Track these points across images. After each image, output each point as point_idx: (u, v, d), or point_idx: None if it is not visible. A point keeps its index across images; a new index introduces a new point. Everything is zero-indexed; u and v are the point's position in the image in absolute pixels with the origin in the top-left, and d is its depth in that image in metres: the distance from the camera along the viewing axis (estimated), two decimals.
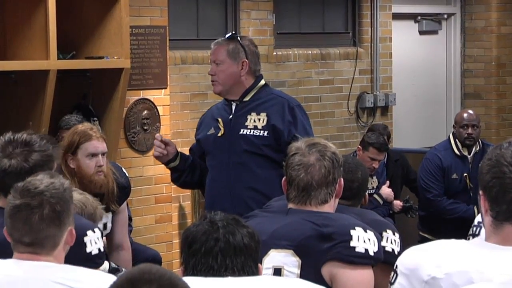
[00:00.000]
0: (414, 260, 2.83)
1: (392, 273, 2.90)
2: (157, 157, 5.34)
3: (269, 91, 5.37)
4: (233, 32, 5.85)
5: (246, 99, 5.26)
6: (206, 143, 5.31)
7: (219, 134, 5.25)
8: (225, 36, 5.44)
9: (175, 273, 2.16)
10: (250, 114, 5.24)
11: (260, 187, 5.11)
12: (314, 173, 3.60)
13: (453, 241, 2.83)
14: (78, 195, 4.09)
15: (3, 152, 3.65)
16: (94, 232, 3.65)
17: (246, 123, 5.22)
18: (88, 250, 3.59)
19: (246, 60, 5.27)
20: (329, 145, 3.73)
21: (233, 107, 5.26)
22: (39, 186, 3.02)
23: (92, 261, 3.57)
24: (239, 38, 5.37)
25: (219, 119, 5.27)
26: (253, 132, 5.20)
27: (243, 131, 5.21)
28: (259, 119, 5.22)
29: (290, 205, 3.64)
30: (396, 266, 2.88)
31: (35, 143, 3.66)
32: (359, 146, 7.75)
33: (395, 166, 8.14)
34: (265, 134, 5.19)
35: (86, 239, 3.60)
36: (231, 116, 5.24)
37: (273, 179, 5.10)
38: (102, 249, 3.66)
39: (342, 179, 3.65)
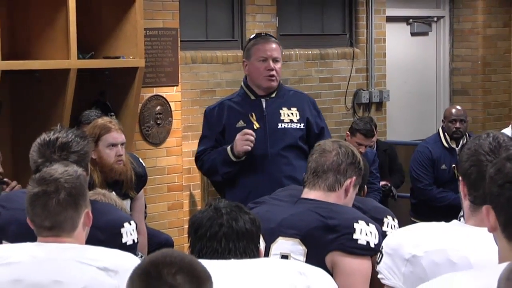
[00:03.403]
0: (396, 241, 2.84)
1: (378, 253, 2.90)
2: (246, 151, 5.10)
3: (286, 88, 5.40)
4: (262, 33, 5.64)
5: (273, 95, 5.23)
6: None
7: (255, 128, 5.16)
8: (265, 34, 5.38)
9: (195, 258, 2.18)
10: (281, 109, 5.20)
11: (298, 176, 5.01)
12: (328, 157, 3.58)
13: (432, 223, 2.85)
14: (116, 199, 4.09)
15: (43, 155, 3.62)
16: (130, 224, 3.63)
17: (282, 118, 5.18)
18: (123, 240, 3.57)
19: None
20: (353, 147, 3.72)
21: (264, 103, 5.20)
22: (54, 174, 3.03)
23: (127, 251, 3.55)
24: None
25: (253, 114, 5.19)
26: (291, 125, 5.17)
27: (281, 125, 5.17)
28: (292, 113, 5.20)
29: (304, 190, 3.61)
30: (382, 247, 2.89)
31: (72, 143, 3.64)
32: (348, 132, 7.81)
33: (384, 155, 8.23)
34: (302, 126, 5.18)
35: (122, 230, 3.58)
36: (265, 111, 5.19)
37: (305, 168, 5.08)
38: (136, 240, 3.63)
39: (354, 179, 3.59)
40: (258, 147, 5.11)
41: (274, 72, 5.18)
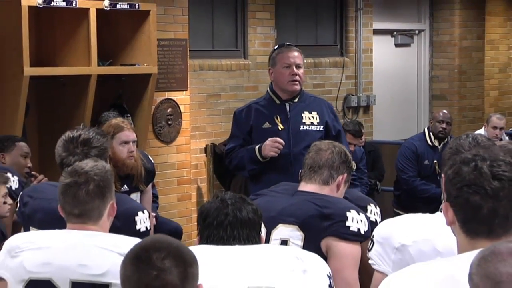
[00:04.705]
0: (387, 230, 2.83)
1: (370, 241, 2.90)
2: (272, 156, 5.02)
3: (307, 94, 5.33)
4: (285, 42, 5.42)
5: (295, 100, 5.17)
6: (264, 136, 5.10)
7: (280, 129, 5.10)
8: (287, 44, 5.31)
9: (182, 243, 2.16)
10: (303, 113, 5.14)
11: None
12: (323, 155, 3.60)
13: (419, 215, 2.84)
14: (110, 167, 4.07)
15: (67, 150, 3.64)
16: (143, 213, 3.65)
17: (303, 120, 5.12)
18: (137, 227, 3.59)
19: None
20: (345, 148, 3.72)
21: (288, 107, 5.15)
22: (84, 167, 3.03)
23: (140, 237, 3.53)
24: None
25: (278, 116, 5.13)
26: (312, 127, 5.12)
27: (303, 127, 5.11)
28: (312, 117, 5.14)
29: (300, 184, 3.62)
30: (373, 235, 2.88)
31: (93, 139, 3.66)
32: None
33: (368, 155, 8.23)
34: (321, 128, 5.13)
35: (137, 218, 3.60)
36: (289, 114, 5.13)
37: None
38: (148, 227, 3.65)
39: (346, 176, 3.62)
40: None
41: (297, 77, 5.13)
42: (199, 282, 2.11)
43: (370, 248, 2.88)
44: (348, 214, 3.43)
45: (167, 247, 2.07)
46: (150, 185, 5.34)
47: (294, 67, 5.14)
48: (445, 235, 2.62)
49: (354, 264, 3.40)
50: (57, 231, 3.04)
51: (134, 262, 2.07)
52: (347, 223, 3.41)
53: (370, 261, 2.88)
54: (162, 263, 2.04)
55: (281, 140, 5.03)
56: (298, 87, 5.14)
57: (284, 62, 5.17)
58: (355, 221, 3.43)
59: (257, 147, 5.08)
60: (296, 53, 5.19)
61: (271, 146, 5.03)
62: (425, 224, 2.75)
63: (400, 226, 2.80)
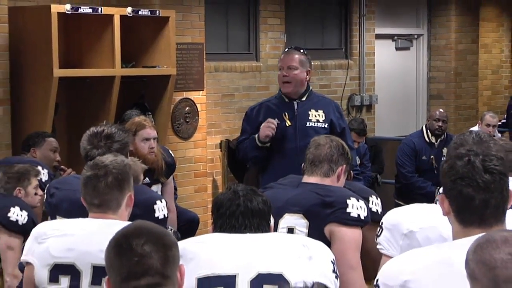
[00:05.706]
0: (395, 218, 2.82)
1: (379, 228, 2.89)
2: (267, 136, 5.01)
3: (315, 94, 5.29)
4: (290, 46, 5.39)
5: (303, 99, 5.14)
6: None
7: (287, 125, 5.07)
8: (290, 48, 5.27)
9: (164, 229, 2.10)
10: (310, 111, 5.11)
11: None
12: (322, 150, 3.59)
13: (426, 204, 2.84)
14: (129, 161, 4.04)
15: (91, 143, 3.65)
16: (161, 202, 3.64)
17: (310, 118, 5.09)
18: (156, 215, 3.58)
19: (310, 69, 5.20)
20: (342, 141, 3.69)
21: (295, 105, 5.12)
22: (104, 161, 3.03)
23: (159, 224, 3.52)
24: (304, 52, 5.23)
25: (286, 113, 5.10)
26: (317, 124, 5.09)
27: (309, 124, 5.08)
28: (319, 115, 5.11)
29: (303, 177, 3.60)
30: (382, 222, 2.88)
31: (115, 134, 3.66)
32: None
33: (370, 150, 8.21)
34: (326, 126, 5.10)
35: (155, 206, 3.59)
36: (296, 111, 5.10)
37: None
38: (166, 215, 3.64)
39: (344, 166, 3.60)
40: (289, 141, 5.04)
41: (287, 78, 5.09)
42: (181, 263, 2.07)
43: (379, 234, 2.87)
44: (348, 201, 3.42)
45: (146, 233, 2.02)
46: (171, 177, 5.32)
47: (285, 70, 5.10)
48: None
49: (356, 247, 3.39)
50: (80, 219, 3.04)
51: (116, 250, 2.03)
52: (348, 210, 3.40)
53: (378, 246, 2.87)
54: (142, 249, 1.99)
55: (272, 120, 5.01)
56: (288, 89, 5.10)
57: (280, 65, 5.21)
58: (355, 207, 3.41)
59: (256, 134, 5.07)
60: (295, 56, 5.15)
61: (265, 126, 5.01)
62: (432, 212, 2.74)
63: (408, 214, 2.80)
